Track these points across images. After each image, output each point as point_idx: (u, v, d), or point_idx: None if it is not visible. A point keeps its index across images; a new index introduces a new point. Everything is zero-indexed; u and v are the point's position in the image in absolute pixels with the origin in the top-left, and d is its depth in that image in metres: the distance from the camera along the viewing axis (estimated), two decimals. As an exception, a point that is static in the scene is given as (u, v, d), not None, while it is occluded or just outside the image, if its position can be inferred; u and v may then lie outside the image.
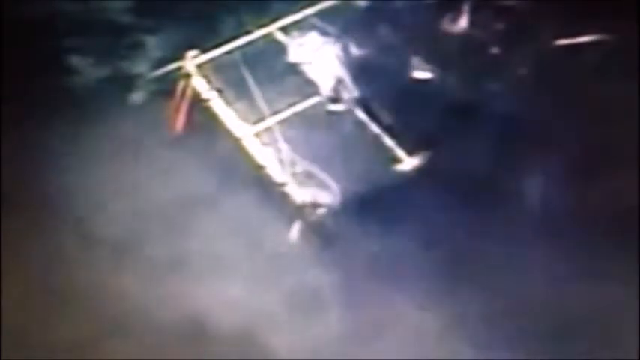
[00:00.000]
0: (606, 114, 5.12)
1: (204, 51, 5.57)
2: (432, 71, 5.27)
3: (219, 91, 5.45)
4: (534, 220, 5.02)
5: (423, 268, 4.91)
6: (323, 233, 5.04)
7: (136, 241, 5.06)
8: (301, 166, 5.13)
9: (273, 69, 5.55)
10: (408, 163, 5.22)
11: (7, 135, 5.41)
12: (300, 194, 5.08)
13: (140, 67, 5.89)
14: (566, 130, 5.08)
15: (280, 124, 5.29)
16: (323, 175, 5.10)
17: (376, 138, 5.32)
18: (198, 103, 5.48)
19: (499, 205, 5.07)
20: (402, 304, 4.78)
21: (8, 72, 5.69)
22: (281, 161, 5.16)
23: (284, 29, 5.68)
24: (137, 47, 6.00)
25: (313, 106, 5.39)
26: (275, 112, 5.33)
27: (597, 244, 4.85)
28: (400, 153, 5.26)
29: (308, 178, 5.11)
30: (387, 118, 5.31)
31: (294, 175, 5.12)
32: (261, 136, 5.28)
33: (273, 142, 5.24)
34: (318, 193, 5.07)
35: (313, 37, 5.66)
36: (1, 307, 4.71)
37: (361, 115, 5.37)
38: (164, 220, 5.20)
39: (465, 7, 5.32)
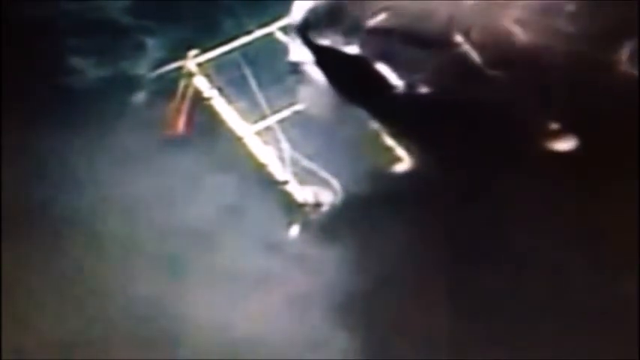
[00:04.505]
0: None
1: (205, 50, 5.59)
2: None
3: (220, 90, 5.47)
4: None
5: (424, 268, 4.91)
6: (324, 230, 5.05)
7: (135, 238, 5.05)
8: (302, 164, 5.14)
9: (273, 68, 5.56)
10: (409, 162, 5.24)
11: (8, 134, 5.39)
12: (301, 192, 5.09)
13: (141, 67, 5.89)
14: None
15: (281, 123, 5.30)
16: (324, 173, 5.11)
17: (377, 136, 5.34)
18: (199, 102, 5.49)
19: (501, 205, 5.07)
20: (410, 305, 4.77)
21: (9, 72, 5.68)
22: (282, 159, 5.17)
23: (284, 29, 5.69)
24: (138, 48, 6.00)
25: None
26: (276, 111, 5.34)
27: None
28: (401, 152, 5.27)
29: (309, 176, 5.12)
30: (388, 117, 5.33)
31: (295, 173, 5.13)
32: (262, 134, 5.29)
33: (274, 141, 5.26)
34: (320, 191, 5.09)
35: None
36: (2, 312, 4.71)
37: (362, 113, 5.39)
38: (163, 218, 5.18)
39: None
